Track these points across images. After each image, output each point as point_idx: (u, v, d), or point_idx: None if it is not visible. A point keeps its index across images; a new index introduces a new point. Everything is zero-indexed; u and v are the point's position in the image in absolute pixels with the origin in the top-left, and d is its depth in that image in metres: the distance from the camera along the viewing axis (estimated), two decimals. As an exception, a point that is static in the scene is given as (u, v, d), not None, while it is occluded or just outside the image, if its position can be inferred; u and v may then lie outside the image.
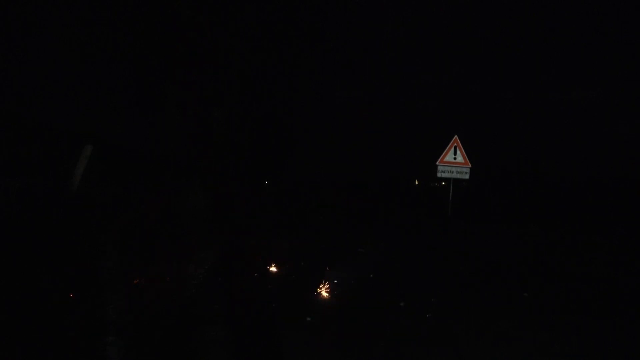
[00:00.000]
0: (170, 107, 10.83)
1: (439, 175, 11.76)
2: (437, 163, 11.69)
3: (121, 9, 7.99)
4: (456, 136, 11.68)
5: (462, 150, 11.65)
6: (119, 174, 8.03)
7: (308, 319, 4.17)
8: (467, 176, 11.80)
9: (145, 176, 9.38)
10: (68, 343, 3.48)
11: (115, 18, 7.95)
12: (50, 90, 6.59)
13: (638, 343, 4.07)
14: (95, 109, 7.61)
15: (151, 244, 7.18)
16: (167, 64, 10.14)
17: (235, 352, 3.46)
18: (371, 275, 6.06)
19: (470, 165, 11.72)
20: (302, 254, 7.41)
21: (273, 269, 6.23)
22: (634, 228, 11.78)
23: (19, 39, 5.98)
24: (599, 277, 6.84)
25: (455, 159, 11.63)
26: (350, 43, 16.26)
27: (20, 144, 5.88)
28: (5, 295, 4.20)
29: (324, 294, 4.96)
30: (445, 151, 11.65)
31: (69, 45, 6.97)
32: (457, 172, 11.69)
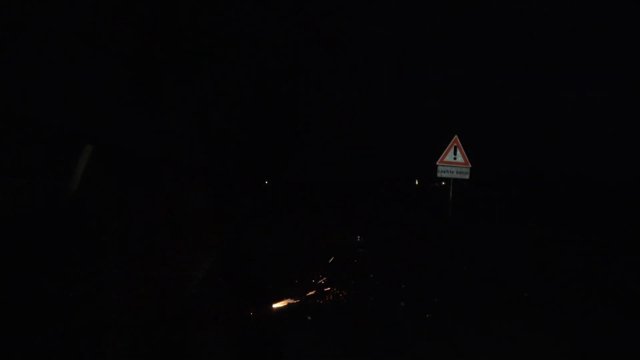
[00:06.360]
0: (170, 108, 10.80)
1: (439, 175, 11.76)
2: (437, 163, 11.68)
3: (122, 10, 7.99)
4: (456, 136, 11.68)
5: (462, 150, 11.65)
6: (119, 174, 8.03)
7: (308, 318, 4.17)
8: (467, 176, 11.79)
9: (145, 176, 9.37)
10: (68, 342, 3.48)
11: (116, 19, 7.95)
12: (51, 91, 6.59)
13: (638, 343, 4.07)
14: (96, 109, 7.61)
15: (152, 244, 7.18)
16: (167, 64, 10.12)
17: (235, 352, 3.46)
18: (371, 275, 6.06)
19: (470, 165, 11.72)
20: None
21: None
22: (633, 228, 11.78)
23: (20, 39, 5.98)
24: (599, 277, 6.84)
25: (455, 159, 11.63)
26: (351, 43, 16.25)
27: (20, 144, 5.87)
28: (6, 295, 4.20)
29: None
30: (445, 151, 11.65)
31: (70, 46, 6.97)
32: (457, 172, 11.69)
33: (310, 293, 4.98)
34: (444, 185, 21.07)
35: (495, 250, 9.31)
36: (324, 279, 5.64)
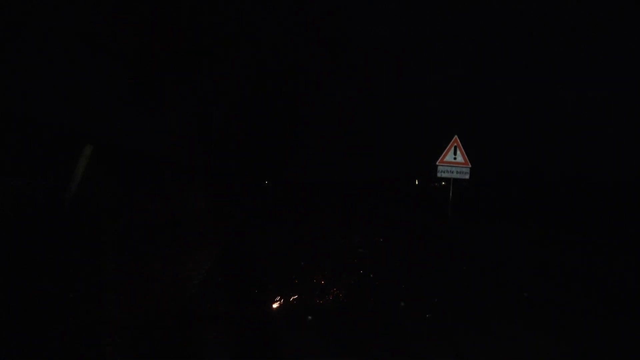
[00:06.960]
0: (171, 108, 10.80)
1: (439, 175, 11.76)
2: (437, 163, 11.69)
3: (122, 10, 7.99)
4: (456, 136, 11.69)
5: (462, 150, 11.65)
6: (119, 174, 8.03)
7: (308, 318, 4.17)
8: (467, 176, 11.79)
9: (145, 176, 9.37)
10: (68, 342, 3.48)
11: (116, 19, 7.95)
12: (51, 91, 6.59)
13: (638, 343, 4.07)
14: (96, 109, 7.61)
15: (152, 244, 7.18)
16: (167, 64, 10.11)
17: (235, 352, 3.46)
18: (371, 275, 6.06)
19: (470, 165, 11.72)
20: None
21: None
22: (633, 228, 11.78)
23: (20, 39, 5.98)
24: (599, 277, 6.84)
25: (455, 159, 11.63)
26: (351, 43, 16.25)
27: (20, 144, 5.87)
28: (6, 295, 4.20)
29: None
30: (445, 151, 11.65)
31: (70, 46, 6.97)
32: (457, 172, 11.69)
33: (310, 293, 4.98)
34: (444, 185, 21.09)
35: (495, 250, 9.30)
36: (324, 279, 5.64)
